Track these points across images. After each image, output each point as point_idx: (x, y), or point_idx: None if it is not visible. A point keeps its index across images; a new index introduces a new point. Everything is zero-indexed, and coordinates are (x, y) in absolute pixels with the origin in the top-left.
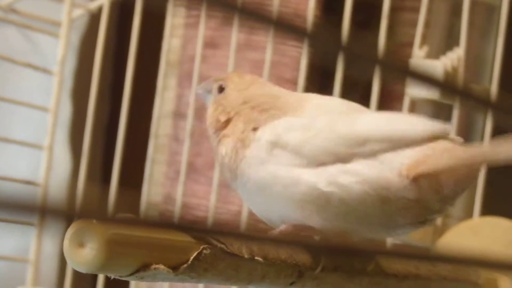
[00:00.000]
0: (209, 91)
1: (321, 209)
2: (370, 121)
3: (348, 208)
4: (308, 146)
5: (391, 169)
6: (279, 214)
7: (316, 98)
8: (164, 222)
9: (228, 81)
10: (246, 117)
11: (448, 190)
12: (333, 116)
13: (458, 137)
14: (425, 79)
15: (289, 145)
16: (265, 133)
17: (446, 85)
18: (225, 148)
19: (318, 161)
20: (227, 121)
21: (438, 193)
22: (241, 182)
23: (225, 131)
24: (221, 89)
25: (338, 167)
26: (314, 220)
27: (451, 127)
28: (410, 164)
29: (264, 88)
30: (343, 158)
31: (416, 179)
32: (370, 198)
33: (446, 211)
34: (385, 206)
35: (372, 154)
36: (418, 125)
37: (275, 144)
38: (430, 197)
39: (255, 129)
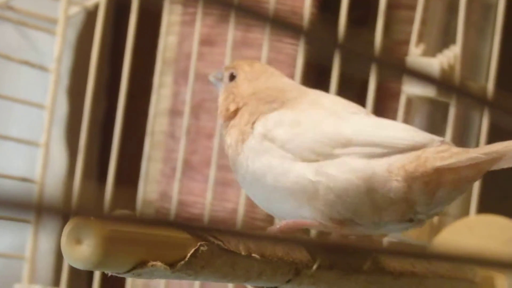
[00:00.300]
0: (221, 79)
1: (310, 198)
2: (356, 124)
3: (335, 197)
4: (293, 143)
5: (379, 165)
6: (277, 205)
7: (315, 94)
8: (160, 220)
9: (239, 69)
10: (252, 109)
11: (442, 194)
12: (322, 114)
13: (450, 142)
14: (422, 77)
15: (277, 140)
16: (259, 126)
17: (442, 83)
18: (229, 139)
19: (302, 158)
20: (236, 111)
21: (428, 196)
22: (241, 174)
23: (233, 122)
24: (232, 77)
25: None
26: (305, 209)
27: (442, 139)
28: (403, 162)
29: (272, 79)
30: (326, 157)
31: (408, 179)
32: (356, 188)
33: (434, 215)
34: (370, 197)
35: (352, 157)
36: (405, 134)
37: (264, 137)
38: (418, 198)
39: (254, 122)
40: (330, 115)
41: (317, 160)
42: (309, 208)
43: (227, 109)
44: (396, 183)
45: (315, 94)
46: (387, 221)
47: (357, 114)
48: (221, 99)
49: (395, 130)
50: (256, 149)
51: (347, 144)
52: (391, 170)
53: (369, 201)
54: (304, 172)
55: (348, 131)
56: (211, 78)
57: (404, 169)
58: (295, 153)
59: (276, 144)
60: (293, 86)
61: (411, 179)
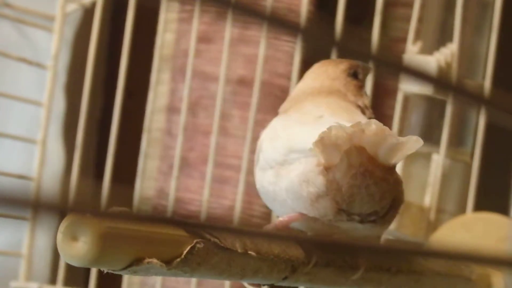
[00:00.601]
0: None
1: (275, 200)
2: (296, 133)
3: (286, 195)
4: (267, 153)
5: (309, 162)
6: (273, 208)
7: (312, 98)
8: (157, 217)
9: (313, 67)
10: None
11: (345, 189)
12: (290, 123)
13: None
14: (419, 74)
15: (262, 149)
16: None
17: (439, 80)
18: None
19: (270, 165)
20: None
21: (339, 192)
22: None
23: None
24: None
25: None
26: (282, 210)
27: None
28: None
29: (308, 82)
30: (283, 164)
31: (324, 172)
32: (296, 185)
33: (370, 214)
34: (306, 192)
35: (296, 160)
36: (308, 137)
37: (259, 147)
38: (334, 194)
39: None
40: (295, 122)
41: (277, 166)
42: (283, 208)
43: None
44: (320, 179)
45: (313, 97)
46: (326, 218)
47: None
48: None
49: (307, 135)
50: (256, 156)
51: (292, 150)
52: (320, 165)
53: (306, 197)
54: (268, 177)
55: (289, 142)
56: None
57: (320, 168)
58: (267, 161)
59: (262, 152)
60: (311, 90)
61: (328, 171)
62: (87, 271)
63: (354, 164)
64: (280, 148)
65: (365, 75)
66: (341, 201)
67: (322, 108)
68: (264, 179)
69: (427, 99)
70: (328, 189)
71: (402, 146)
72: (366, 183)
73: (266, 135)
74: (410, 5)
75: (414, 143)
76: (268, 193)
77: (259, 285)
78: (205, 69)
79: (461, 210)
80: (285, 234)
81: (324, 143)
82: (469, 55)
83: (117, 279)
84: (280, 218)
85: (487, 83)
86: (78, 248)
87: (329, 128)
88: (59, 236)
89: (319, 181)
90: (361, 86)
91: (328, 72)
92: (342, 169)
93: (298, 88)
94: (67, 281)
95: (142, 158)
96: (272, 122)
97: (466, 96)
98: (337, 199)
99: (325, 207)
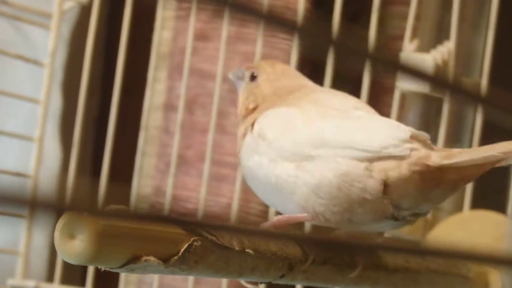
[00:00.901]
0: (241, 78)
1: (291, 193)
2: (333, 126)
3: (310, 192)
4: (278, 143)
5: (356, 163)
6: (271, 200)
7: (322, 92)
8: (154, 215)
9: (260, 69)
10: (264, 108)
11: (438, 193)
12: (310, 114)
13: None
14: (416, 72)
15: (266, 138)
16: (257, 123)
17: (436, 78)
18: (238, 134)
19: (285, 157)
20: (254, 109)
21: (422, 195)
22: (242, 168)
23: (247, 119)
24: (253, 77)
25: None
26: (290, 204)
27: (422, 134)
28: (385, 167)
29: (292, 79)
30: (306, 157)
31: (390, 182)
32: (329, 183)
33: (423, 214)
34: (344, 193)
35: (330, 157)
36: (378, 138)
37: (258, 135)
38: (400, 199)
39: (256, 119)
40: (318, 115)
41: (297, 160)
42: (292, 203)
43: (247, 108)
44: (372, 182)
45: (323, 92)
46: (361, 220)
47: (357, 111)
48: (241, 98)
49: (373, 134)
50: (251, 146)
51: (323, 145)
52: (371, 169)
53: (343, 197)
54: (286, 169)
55: (326, 133)
56: (230, 75)
57: (386, 173)
58: (280, 152)
59: (266, 141)
60: (307, 85)
61: (393, 183)
62: (84, 269)
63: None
64: (305, 140)
65: None
66: (405, 203)
67: (338, 99)
68: (280, 171)
69: (424, 97)
70: (391, 192)
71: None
72: (434, 191)
73: (270, 124)
74: (407, 3)
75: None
76: (277, 186)
77: (256, 283)
78: (202, 67)
79: (458, 208)
80: (282, 232)
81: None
82: (466, 53)
83: (114, 277)
84: (279, 216)
85: (484, 81)
86: (75, 246)
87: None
88: (56, 234)
89: (374, 185)
90: None
91: (285, 72)
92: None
93: (282, 85)
94: (64, 279)
95: (139, 156)
96: (274, 112)
97: (463, 94)
98: (401, 201)
99: (368, 211)
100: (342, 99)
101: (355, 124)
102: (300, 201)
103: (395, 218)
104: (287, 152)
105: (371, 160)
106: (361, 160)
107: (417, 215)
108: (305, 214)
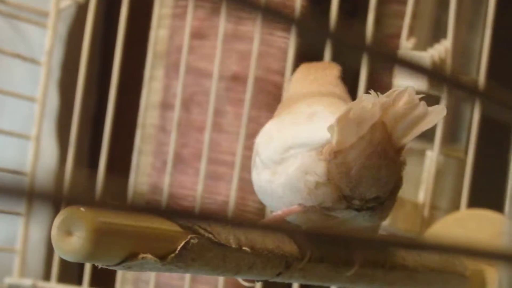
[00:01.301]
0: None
1: (272, 197)
2: (294, 131)
3: (283, 191)
4: (263, 155)
5: (309, 155)
6: (274, 207)
7: (305, 100)
8: (151, 207)
9: (295, 73)
10: (274, 116)
11: (355, 171)
12: (283, 124)
13: None
14: (414, 67)
15: (259, 153)
16: (256, 139)
17: (433, 72)
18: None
19: (266, 166)
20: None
21: (346, 175)
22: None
23: None
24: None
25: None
26: (280, 206)
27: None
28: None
29: (307, 86)
30: (280, 163)
31: (328, 160)
32: (294, 177)
33: (372, 201)
34: (304, 182)
35: (292, 157)
36: (318, 133)
37: (256, 151)
38: (338, 179)
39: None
40: (290, 123)
41: (273, 166)
42: (280, 204)
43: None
44: (321, 167)
45: (304, 99)
46: (324, 206)
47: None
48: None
49: (313, 130)
50: (252, 160)
51: (288, 149)
52: (318, 155)
53: (304, 186)
54: (265, 175)
55: (290, 138)
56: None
57: (324, 155)
58: (264, 162)
59: (258, 156)
60: (305, 93)
61: (332, 159)
62: (81, 267)
63: (374, 142)
64: (277, 147)
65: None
66: (344, 186)
67: (314, 106)
68: (261, 179)
69: (422, 94)
70: (331, 174)
71: (428, 115)
72: (380, 163)
73: (261, 139)
74: (404, 2)
75: (438, 113)
76: (266, 192)
77: (253, 281)
78: (199, 65)
79: (455, 206)
80: (279, 227)
81: (348, 117)
82: (463, 51)
83: (111, 275)
84: (274, 213)
85: (481, 79)
86: (72, 243)
87: (359, 99)
88: (54, 231)
89: (320, 168)
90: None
91: (318, 78)
92: (360, 147)
93: (289, 94)
94: (61, 277)
95: (136, 154)
96: (266, 126)
97: (461, 89)
98: (341, 184)
99: (324, 193)
100: (309, 106)
101: (311, 125)
102: (282, 201)
103: (356, 209)
104: (268, 161)
105: (317, 149)
106: (310, 151)
107: (371, 201)
108: (295, 206)
